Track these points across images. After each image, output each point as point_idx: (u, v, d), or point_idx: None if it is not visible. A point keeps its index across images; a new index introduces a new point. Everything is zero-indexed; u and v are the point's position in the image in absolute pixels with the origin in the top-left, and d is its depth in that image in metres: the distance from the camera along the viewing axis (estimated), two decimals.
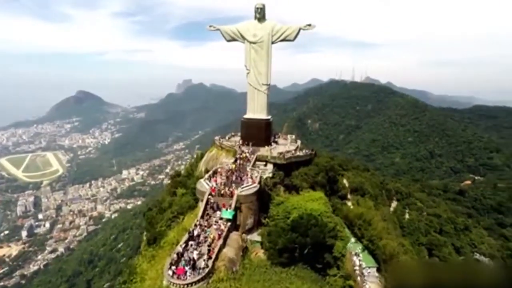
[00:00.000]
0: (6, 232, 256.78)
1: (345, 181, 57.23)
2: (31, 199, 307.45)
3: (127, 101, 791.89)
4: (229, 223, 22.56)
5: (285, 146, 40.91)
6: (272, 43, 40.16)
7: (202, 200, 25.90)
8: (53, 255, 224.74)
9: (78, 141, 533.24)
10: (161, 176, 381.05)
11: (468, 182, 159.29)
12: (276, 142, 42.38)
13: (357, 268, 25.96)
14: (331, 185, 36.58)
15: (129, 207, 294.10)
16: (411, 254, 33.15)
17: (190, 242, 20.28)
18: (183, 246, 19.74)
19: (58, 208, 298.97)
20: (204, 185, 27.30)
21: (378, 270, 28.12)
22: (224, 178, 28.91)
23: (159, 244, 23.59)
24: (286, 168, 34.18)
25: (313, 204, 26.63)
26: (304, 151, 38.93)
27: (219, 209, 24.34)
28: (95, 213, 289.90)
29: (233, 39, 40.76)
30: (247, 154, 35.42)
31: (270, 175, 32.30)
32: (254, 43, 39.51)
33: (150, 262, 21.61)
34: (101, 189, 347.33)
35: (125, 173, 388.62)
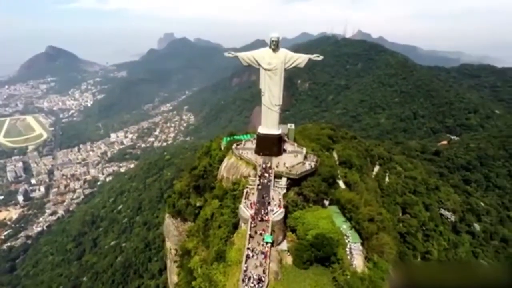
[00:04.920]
0: (1, 197, 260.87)
1: (335, 154, 63.15)
2: (20, 164, 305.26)
3: (105, 58, 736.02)
4: (269, 244, 31.73)
5: (294, 155, 48.54)
6: (285, 69, 45.41)
7: (245, 224, 35.49)
8: (54, 217, 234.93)
9: (57, 103, 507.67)
10: (151, 139, 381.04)
11: (445, 142, 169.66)
12: (285, 150, 49.59)
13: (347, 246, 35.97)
14: (330, 186, 46.84)
15: (122, 170, 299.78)
16: (387, 222, 40.91)
17: (249, 263, 29.56)
18: (245, 266, 29.22)
19: (50, 173, 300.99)
20: (245, 212, 35.90)
21: (362, 244, 35.65)
22: (255, 200, 37.36)
23: (226, 262, 32.51)
24: (297, 180, 43.02)
25: (323, 222, 35.26)
26: (309, 161, 46.74)
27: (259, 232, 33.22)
28: (88, 177, 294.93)
29: (249, 65, 46.23)
30: (269, 174, 42.42)
31: (285, 189, 41.48)
32: (269, 70, 44.51)
33: (225, 276, 30.90)
34: (91, 153, 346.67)
35: (113, 136, 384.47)
